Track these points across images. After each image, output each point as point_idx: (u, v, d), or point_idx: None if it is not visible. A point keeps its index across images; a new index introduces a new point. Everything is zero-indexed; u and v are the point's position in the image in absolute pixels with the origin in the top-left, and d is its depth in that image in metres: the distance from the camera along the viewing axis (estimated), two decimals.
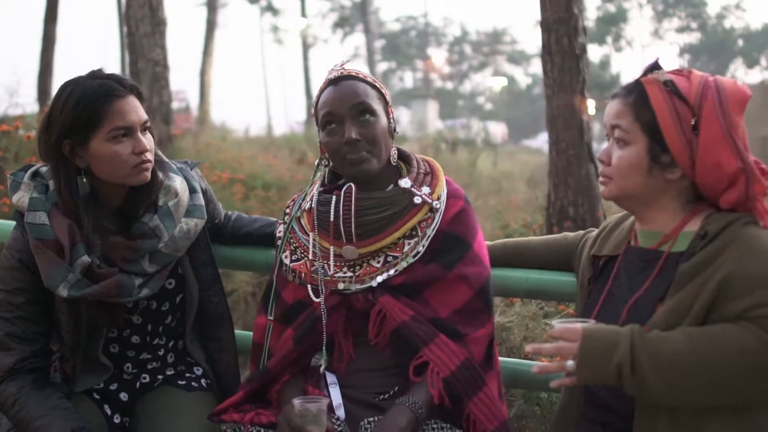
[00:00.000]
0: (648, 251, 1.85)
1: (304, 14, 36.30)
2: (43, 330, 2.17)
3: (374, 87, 2.15)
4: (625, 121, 1.81)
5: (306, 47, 34.88)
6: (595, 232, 2.11)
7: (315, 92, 2.21)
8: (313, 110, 2.19)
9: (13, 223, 2.21)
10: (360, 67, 2.23)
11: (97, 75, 2.12)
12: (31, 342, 2.15)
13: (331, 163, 2.18)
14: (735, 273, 1.66)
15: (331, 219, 2.09)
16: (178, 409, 2.23)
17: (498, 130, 37.87)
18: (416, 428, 1.95)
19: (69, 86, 2.10)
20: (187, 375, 2.35)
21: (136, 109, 2.11)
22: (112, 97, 2.07)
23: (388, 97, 2.19)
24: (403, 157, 2.25)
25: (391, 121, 2.18)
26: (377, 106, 2.12)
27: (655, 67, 1.83)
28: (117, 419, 2.26)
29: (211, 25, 23.40)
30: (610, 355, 1.66)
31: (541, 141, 39.59)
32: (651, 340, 1.66)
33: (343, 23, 49.01)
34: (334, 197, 2.11)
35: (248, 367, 2.34)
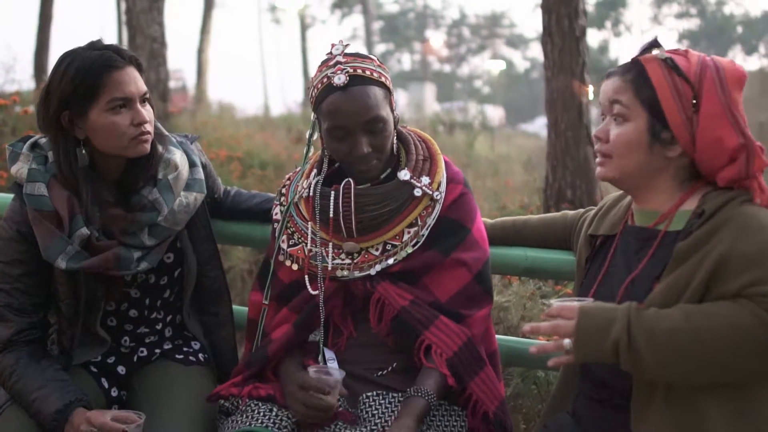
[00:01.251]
0: (645, 230, 1.84)
1: None
2: (41, 302, 2.16)
3: (381, 85, 2.04)
4: (625, 97, 1.80)
5: (304, 27, 34.72)
6: (593, 210, 2.10)
7: (314, 74, 2.09)
8: (310, 98, 2.09)
9: (11, 196, 2.20)
10: (361, 50, 2.13)
11: (95, 46, 2.10)
12: (29, 314, 2.14)
13: (327, 157, 2.13)
14: (731, 251, 1.66)
15: (331, 215, 2.07)
16: (175, 383, 2.23)
17: (495, 113, 37.79)
18: (427, 414, 1.95)
19: (68, 57, 2.08)
20: (185, 349, 2.35)
21: (135, 80, 2.09)
22: (111, 67, 2.05)
23: (391, 88, 2.11)
24: (401, 139, 2.20)
25: (395, 113, 2.12)
26: (386, 110, 2.04)
27: (653, 45, 1.81)
28: (114, 392, 2.26)
29: (209, 4, 23.22)
30: (607, 332, 1.66)
31: (538, 125, 39.47)
32: (648, 317, 1.66)
33: (342, 4, 48.75)
34: (333, 192, 2.08)
35: (244, 344, 2.34)
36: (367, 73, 2.03)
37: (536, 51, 63.96)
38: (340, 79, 1.99)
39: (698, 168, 1.81)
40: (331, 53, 2.07)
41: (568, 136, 5.73)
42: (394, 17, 57.53)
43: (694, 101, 1.75)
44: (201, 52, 22.26)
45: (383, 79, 2.06)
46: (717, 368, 1.64)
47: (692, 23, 54.40)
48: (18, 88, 8.23)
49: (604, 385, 1.84)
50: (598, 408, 1.86)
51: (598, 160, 1.88)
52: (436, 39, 60.79)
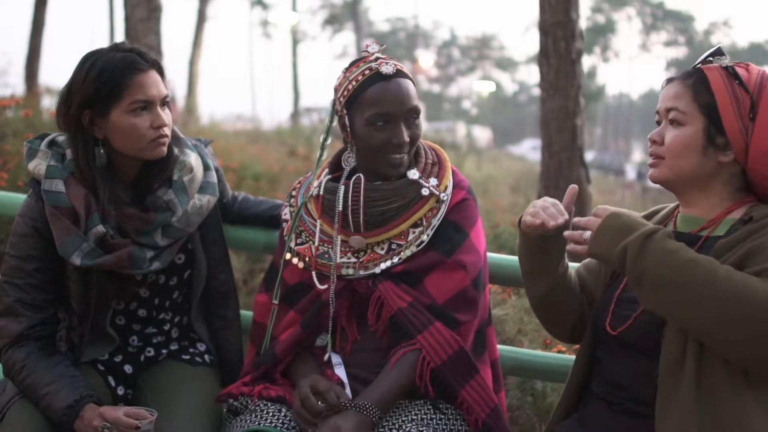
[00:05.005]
0: (687, 235, 1.87)
1: (294, 9, 36.22)
2: (53, 298, 2.18)
3: (414, 84, 2.16)
4: (682, 102, 1.84)
5: (295, 43, 34.83)
6: None
7: (343, 74, 2.16)
8: (341, 94, 2.14)
9: (19, 196, 2.22)
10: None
11: (119, 48, 2.15)
12: (41, 309, 2.16)
13: (354, 153, 2.16)
14: (765, 243, 1.70)
15: (339, 209, 2.12)
16: (181, 383, 2.25)
17: (483, 134, 38.00)
18: (370, 428, 1.97)
19: (91, 57, 2.12)
20: (191, 350, 2.37)
21: (156, 84, 2.14)
22: (134, 70, 2.10)
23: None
24: None
25: None
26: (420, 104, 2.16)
27: (716, 53, 1.86)
28: (121, 391, 2.28)
29: (201, 16, 23.30)
30: (623, 236, 1.71)
31: (525, 147, 39.72)
32: (675, 243, 1.69)
33: (333, 20, 48.96)
34: (342, 187, 2.13)
35: (248, 346, 2.36)
36: (405, 71, 2.14)
37: (525, 74, 64.51)
38: (389, 69, 2.10)
39: (750, 180, 1.85)
40: (367, 51, 2.16)
41: (562, 158, 5.76)
42: (384, 36, 57.82)
43: (752, 110, 1.79)
44: (192, 64, 22.30)
45: (415, 82, 2.17)
46: (716, 319, 1.63)
47: (680, 51, 55.03)
48: (12, 93, 8.22)
49: (620, 387, 1.86)
50: (607, 413, 1.88)
51: (650, 162, 1.92)
52: (426, 59, 61.16)
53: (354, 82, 2.12)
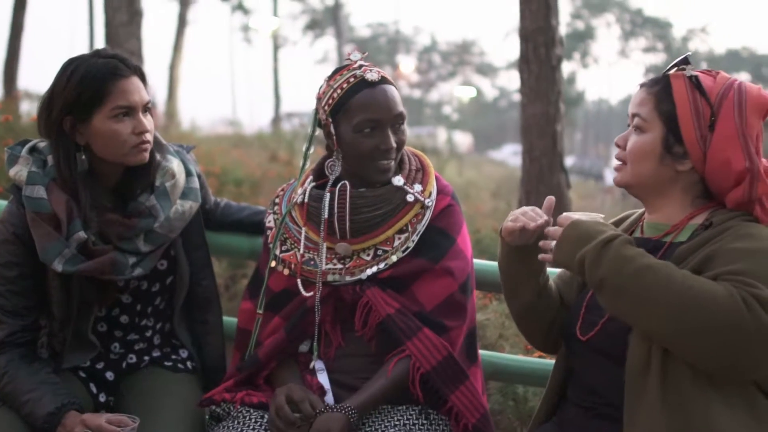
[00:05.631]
0: (651, 241, 1.89)
1: (275, 14, 36.16)
2: (34, 305, 2.17)
3: (397, 90, 2.18)
4: (645, 109, 1.87)
5: (276, 48, 34.79)
6: None
7: (326, 84, 2.17)
8: (326, 103, 2.14)
9: (1, 202, 2.21)
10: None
11: (101, 54, 2.15)
12: (22, 316, 2.15)
13: (340, 160, 2.17)
14: (720, 249, 1.72)
15: (325, 216, 2.13)
16: (164, 390, 2.25)
17: (464, 140, 38.14)
18: (350, 427, 1.98)
19: (73, 63, 2.12)
20: (173, 357, 2.37)
21: (138, 90, 2.14)
22: (117, 76, 2.10)
23: None
24: None
25: None
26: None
27: (684, 62, 1.88)
28: (102, 398, 2.27)
29: (182, 21, 23.23)
30: (581, 246, 1.74)
31: (506, 153, 39.87)
32: (635, 249, 1.71)
33: (314, 26, 48.94)
34: (328, 194, 2.14)
35: (232, 353, 2.36)
36: (388, 77, 2.16)
37: (505, 80, 64.77)
38: (373, 76, 2.12)
39: (709, 188, 1.87)
40: (350, 59, 2.17)
41: (543, 163, 5.81)
42: (365, 41, 57.81)
43: (711, 121, 1.81)
44: (172, 68, 22.22)
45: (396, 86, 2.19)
46: (675, 325, 1.64)
47: (658, 58, 55.39)
48: None
49: (593, 392, 1.89)
50: (583, 416, 1.90)
51: (614, 165, 1.95)
52: (407, 64, 61.23)
53: (339, 90, 2.13)
